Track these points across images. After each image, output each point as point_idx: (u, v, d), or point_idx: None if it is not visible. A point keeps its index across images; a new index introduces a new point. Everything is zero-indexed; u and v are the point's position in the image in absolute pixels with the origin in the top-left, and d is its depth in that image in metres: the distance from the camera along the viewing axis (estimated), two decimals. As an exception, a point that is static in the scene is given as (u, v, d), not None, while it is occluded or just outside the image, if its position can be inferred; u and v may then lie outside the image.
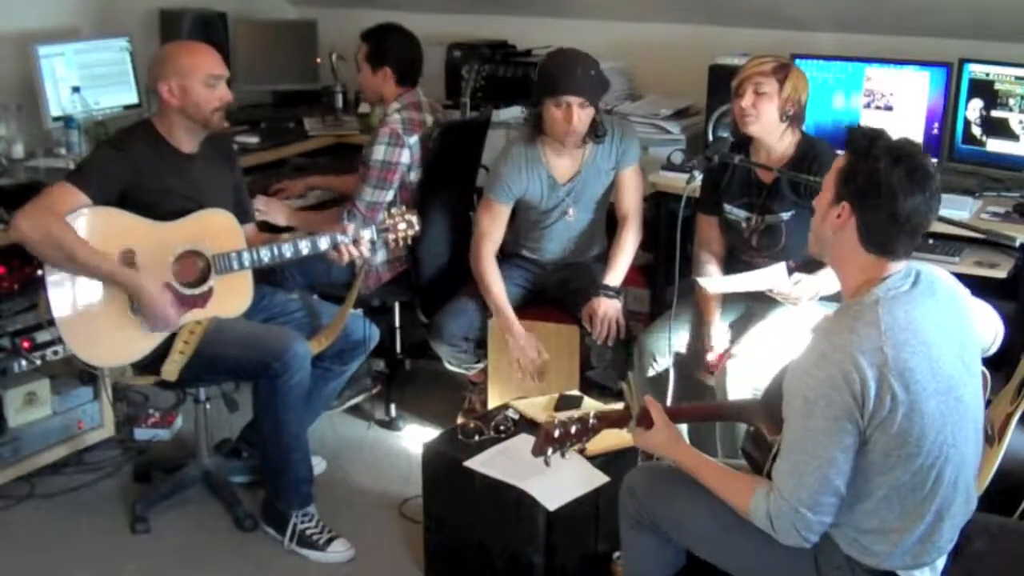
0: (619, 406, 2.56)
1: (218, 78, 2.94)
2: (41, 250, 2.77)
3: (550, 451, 2.28)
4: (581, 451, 2.32)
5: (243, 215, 3.13)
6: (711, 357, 3.05)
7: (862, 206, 1.95)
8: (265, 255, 2.96)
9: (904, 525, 1.96)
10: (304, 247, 2.98)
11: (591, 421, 2.28)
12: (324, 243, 3.00)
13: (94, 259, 2.77)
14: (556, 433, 2.27)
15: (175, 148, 2.97)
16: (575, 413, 2.33)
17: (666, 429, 2.23)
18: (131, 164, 2.87)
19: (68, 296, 2.82)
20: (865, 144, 1.96)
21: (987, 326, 2.24)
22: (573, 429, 2.27)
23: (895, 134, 1.99)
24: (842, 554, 2.01)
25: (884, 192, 1.91)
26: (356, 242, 3.00)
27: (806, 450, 1.93)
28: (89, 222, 2.79)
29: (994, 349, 2.27)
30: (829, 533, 2.02)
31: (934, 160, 2.01)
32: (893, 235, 1.94)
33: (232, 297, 3.00)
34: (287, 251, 2.97)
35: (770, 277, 2.88)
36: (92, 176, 2.82)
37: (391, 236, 3.08)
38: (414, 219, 3.09)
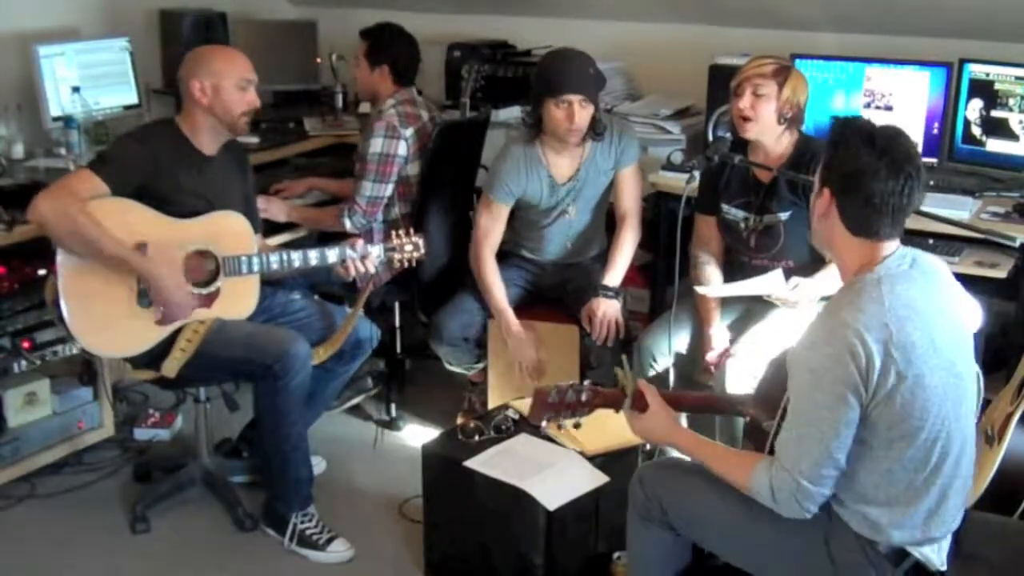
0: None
1: (250, 82, 2.96)
2: (58, 232, 2.76)
3: (546, 419, 2.30)
4: (576, 426, 2.33)
5: (252, 223, 3.13)
6: (711, 357, 3.04)
7: (839, 191, 2.01)
8: (274, 262, 2.98)
9: (909, 499, 1.98)
10: (313, 258, 3.01)
11: (585, 393, 2.30)
12: (333, 256, 3.02)
13: (111, 244, 2.77)
14: (551, 398, 2.29)
15: (196, 148, 2.98)
16: (570, 381, 2.35)
17: (662, 411, 2.25)
18: (151, 159, 2.88)
19: (77, 284, 2.82)
20: (840, 130, 2.03)
21: (973, 313, 2.26)
22: (568, 397, 2.29)
23: (880, 122, 2.04)
24: (853, 535, 2.03)
25: (856, 177, 1.97)
26: (363, 258, 3.02)
27: (811, 422, 1.97)
28: (106, 211, 2.78)
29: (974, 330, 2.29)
30: (838, 514, 2.04)
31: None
32: (871, 217, 1.98)
33: (238, 300, 3.01)
34: (296, 260, 3.00)
35: (768, 283, 2.88)
36: (113, 166, 2.83)
37: (397, 256, 3.10)
38: (420, 242, 3.11)
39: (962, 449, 2.03)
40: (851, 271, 2.06)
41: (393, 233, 3.13)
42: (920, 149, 3.46)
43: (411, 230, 3.14)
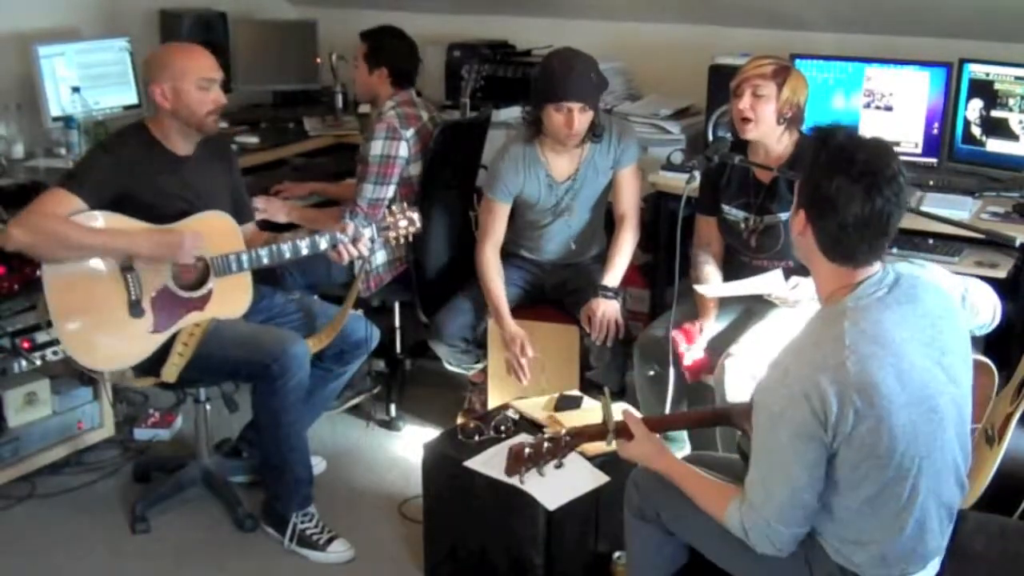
0: (619, 406, 2.57)
1: (211, 81, 2.91)
2: (38, 250, 2.76)
3: (523, 470, 2.26)
4: (558, 466, 2.30)
5: (242, 215, 3.12)
6: (689, 357, 3.00)
7: (813, 215, 1.92)
8: (264, 256, 2.95)
9: (883, 537, 1.95)
10: (304, 247, 2.96)
11: (564, 439, 2.26)
12: (323, 243, 2.97)
13: (95, 239, 2.77)
14: (526, 453, 2.24)
15: (169, 150, 2.95)
16: (547, 432, 2.33)
17: (646, 440, 2.23)
18: (125, 167, 2.85)
19: (67, 302, 2.82)
20: (815, 150, 1.93)
21: (985, 304, 2.23)
22: (544, 447, 2.25)
23: (872, 131, 1.97)
24: (833, 562, 2.01)
25: (828, 202, 1.87)
26: (355, 241, 2.99)
27: (773, 465, 1.93)
28: (86, 227, 2.77)
29: (994, 324, 2.27)
30: (818, 541, 2.02)
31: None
32: (846, 243, 1.90)
33: (231, 299, 3.00)
34: (286, 251, 2.96)
35: (767, 282, 2.88)
36: (85, 180, 2.81)
37: (392, 234, 3.05)
38: (415, 216, 3.06)
39: (939, 483, 1.96)
40: (826, 294, 1.99)
41: (386, 211, 3.10)
42: (920, 149, 3.53)
43: (405, 205, 3.09)
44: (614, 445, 2.28)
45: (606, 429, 2.26)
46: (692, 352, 3.00)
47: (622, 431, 2.25)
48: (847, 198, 1.85)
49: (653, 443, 2.24)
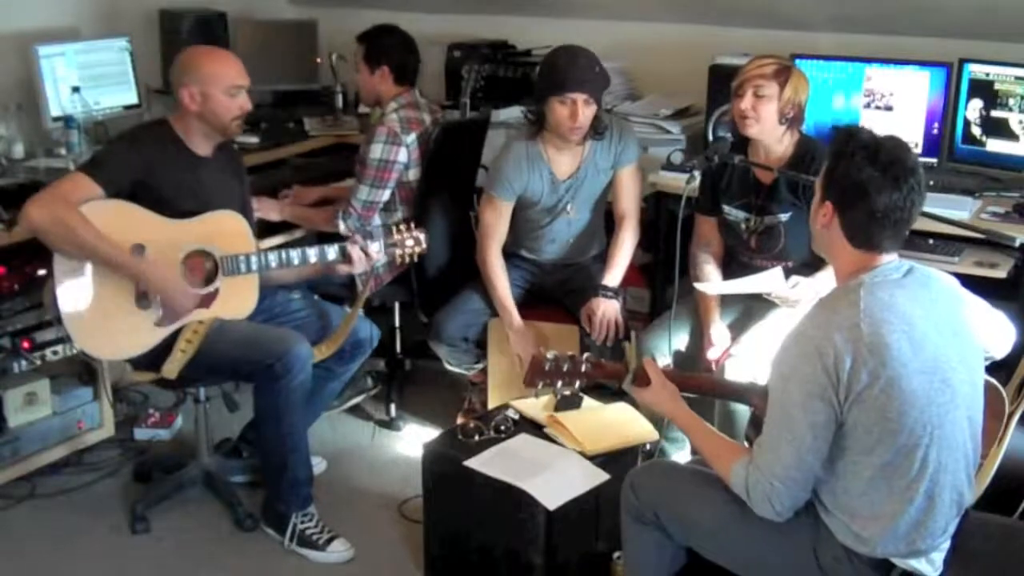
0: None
1: (240, 88, 2.95)
2: (51, 237, 2.77)
3: (540, 384, 2.35)
4: (574, 393, 2.36)
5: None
6: (712, 355, 3.04)
7: (842, 205, 2.02)
8: (273, 260, 2.98)
9: (893, 508, 1.97)
10: (312, 255, 3.01)
11: (584, 365, 2.35)
12: (332, 252, 3.02)
13: (103, 247, 2.77)
14: (546, 367, 2.34)
15: (189, 149, 2.98)
16: (568, 352, 2.39)
17: (662, 387, 2.30)
18: (145, 160, 2.88)
19: (75, 287, 2.82)
20: (842, 143, 2.04)
21: (1004, 336, 2.30)
22: (565, 367, 2.34)
23: (882, 130, 2.05)
24: (839, 544, 2.03)
25: (859, 190, 1.98)
26: (364, 251, 3.03)
27: (782, 425, 1.99)
28: (101, 214, 2.79)
29: (1005, 353, 2.31)
30: (826, 523, 2.04)
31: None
32: (874, 231, 2.00)
33: (237, 299, 3.00)
34: (295, 257, 2.99)
35: (768, 281, 2.88)
36: (106, 168, 2.83)
37: (398, 251, 3.11)
38: (422, 236, 3.12)
39: (950, 457, 1.99)
40: (843, 276, 2.07)
41: (394, 228, 3.13)
42: (920, 149, 3.53)
43: (412, 225, 3.14)
44: (625, 388, 2.34)
45: (626, 370, 2.33)
46: (715, 351, 3.05)
47: (640, 377, 2.31)
48: (878, 187, 1.96)
49: (668, 390, 2.30)
